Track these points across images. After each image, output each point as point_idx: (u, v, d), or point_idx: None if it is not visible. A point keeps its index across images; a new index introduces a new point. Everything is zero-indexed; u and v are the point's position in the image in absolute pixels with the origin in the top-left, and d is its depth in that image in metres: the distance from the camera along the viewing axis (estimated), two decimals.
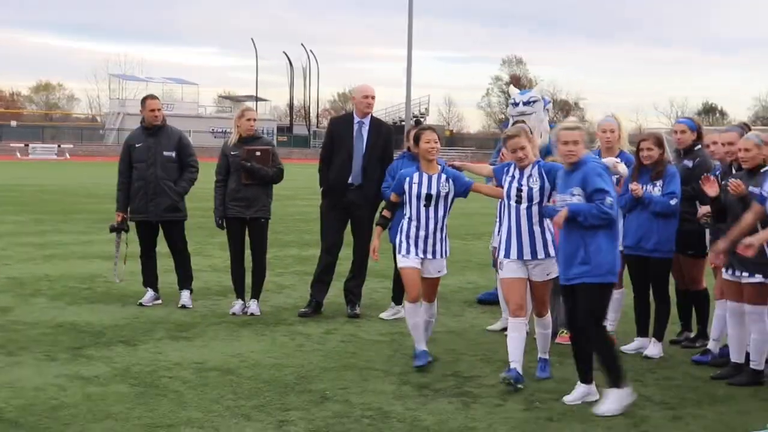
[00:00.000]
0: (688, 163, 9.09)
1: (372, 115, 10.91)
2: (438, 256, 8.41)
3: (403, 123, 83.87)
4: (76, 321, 10.09)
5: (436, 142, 8.33)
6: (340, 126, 10.96)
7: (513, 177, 7.82)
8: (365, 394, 7.46)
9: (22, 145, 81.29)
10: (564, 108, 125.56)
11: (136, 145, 11.04)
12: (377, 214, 9.18)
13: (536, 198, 7.70)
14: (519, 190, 7.73)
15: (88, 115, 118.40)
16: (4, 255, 15.48)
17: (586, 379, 7.29)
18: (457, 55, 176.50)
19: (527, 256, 7.72)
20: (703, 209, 8.66)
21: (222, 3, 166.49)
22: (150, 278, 11.22)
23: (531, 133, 8.71)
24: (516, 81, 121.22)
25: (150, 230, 11.16)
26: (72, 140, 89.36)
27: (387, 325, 10.19)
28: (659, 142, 8.91)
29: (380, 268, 12.91)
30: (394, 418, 6.85)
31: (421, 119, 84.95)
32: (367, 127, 10.74)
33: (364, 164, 10.64)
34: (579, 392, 7.27)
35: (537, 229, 7.72)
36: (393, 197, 8.59)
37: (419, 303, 8.37)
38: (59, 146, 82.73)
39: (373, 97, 10.90)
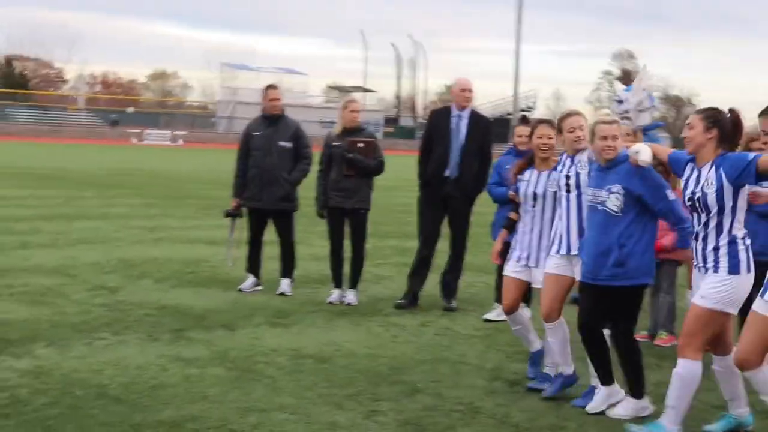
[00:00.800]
0: None
1: (472, 109, 10.83)
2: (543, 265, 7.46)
3: (510, 116, 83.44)
4: (179, 304, 10.27)
5: (550, 138, 7.49)
6: (439, 118, 10.92)
7: (563, 165, 7.31)
8: (457, 388, 7.42)
9: (139, 130, 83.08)
10: (676, 104, 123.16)
11: (255, 134, 11.19)
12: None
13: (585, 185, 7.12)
14: (567, 177, 7.21)
15: (201, 102, 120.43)
16: (115, 237, 15.88)
17: (607, 381, 6.94)
18: (567, 49, 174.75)
19: (575, 250, 7.12)
20: None
21: None
22: (254, 264, 11.34)
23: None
24: (627, 76, 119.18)
25: (261, 218, 11.29)
26: (185, 127, 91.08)
27: (482, 320, 10.12)
28: None
29: (479, 263, 12.87)
30: (483, 413, 6.79)
31: (528, 114, 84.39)
32: (465, 120, 10.66)
33: (461, 157, 10.57)
34: (600, 396, 6.93)
35: None
36: (511, 196, 8.07)
37: (516, 314, 7.71)
38: (173, 133, 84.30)
39: (470, 90, 10.81)
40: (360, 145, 10.61)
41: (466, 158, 10.58)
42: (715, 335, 6.30)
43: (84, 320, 9.26)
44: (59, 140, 74.78)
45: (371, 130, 11.50)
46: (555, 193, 7.39)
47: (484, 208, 10.93)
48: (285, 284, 11.10)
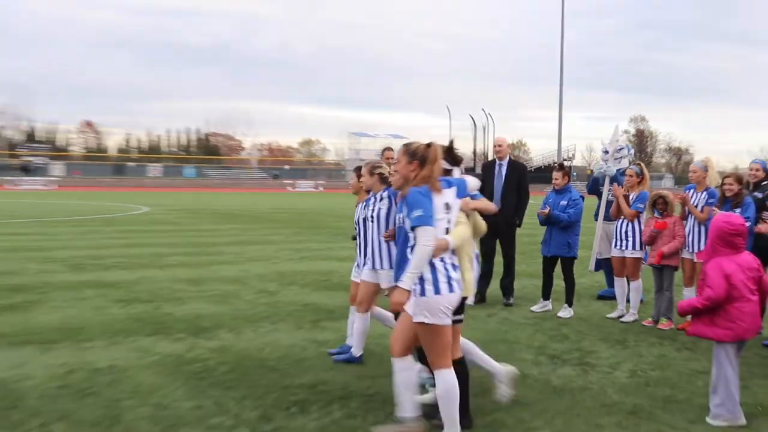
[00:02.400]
0: (759, 195, 8.54)
1: (510, 158, 10.64)
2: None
3: (554, 165, 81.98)
4: (316, 302, 10.32)
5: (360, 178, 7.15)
6: (487, 167, 10.77)
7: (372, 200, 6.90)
8: (512, 361, 7.21)
9: (292, 182, 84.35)
10: (677, 153, 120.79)
11: None
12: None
13: (383, 218, 6.67)
14: (372, 210, 6.80)
15: (335, 161, 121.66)
16: (274, 256, 16.06)
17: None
18: (598, 115, 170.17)
19: (378, 265, 6.76)
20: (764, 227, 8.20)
21: (426, 81, 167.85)
22: None
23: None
24: (640, 134, 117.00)
25: None
26: (324, 178, 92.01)
27: (531, 313, 9.95)
28: (739, 179, 8.37)
29: (530, 270, 12.69)
30: (530, 378, 6.70)
31: (566, 162, 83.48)
32: (505, 167, 10.52)
33: (502, 194, 10.43)
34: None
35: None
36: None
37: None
38: (316, 182, 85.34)
39: (500, 145, 10.62)
40: None
41: (506, 194, 10.42)
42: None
43: (252, 314, 9.39)
44: (239, 190, 76.35)
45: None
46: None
47: (535, 230, 10.78)
48: None
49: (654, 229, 9.10)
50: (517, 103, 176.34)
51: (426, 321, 4.79)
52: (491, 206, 5.65)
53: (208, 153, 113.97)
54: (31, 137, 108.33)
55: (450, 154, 5.36)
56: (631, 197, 9.61)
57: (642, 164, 9.97)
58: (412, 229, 4.78)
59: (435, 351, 4.87)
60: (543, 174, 69.51)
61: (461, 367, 5.29)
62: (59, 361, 6.91)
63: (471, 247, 5.37)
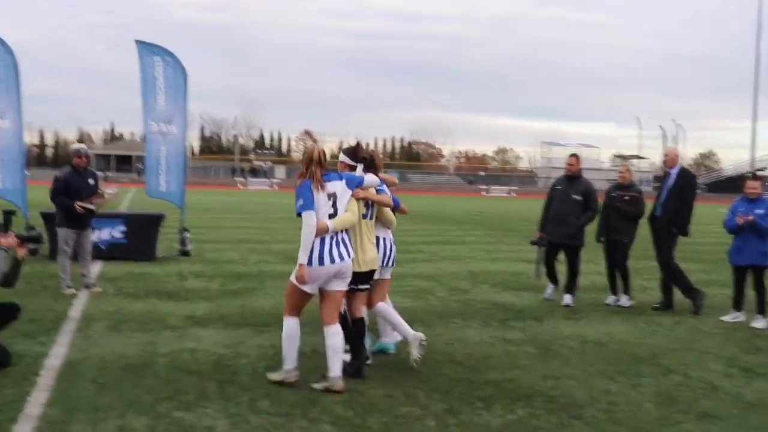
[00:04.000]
0: None
1: (681, 167, 9.88)
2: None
3: (748, 174, 75.86)
4: (505, 301, 10.07)
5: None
6: (661, 177, 10.16)
7: None
8: (701, 371, 6.68)
9: (486, 186, 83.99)
10: None
11: (557, 187, 10.35)
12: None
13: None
14: None
15: (527, 168, 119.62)
16: (467, 256, 15.92)
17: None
18: None
19: None
20: None
21: (616, 93, 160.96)
22: (553, 278, 10.52)
23: None
24: None
25: (555, 247, 10.31)
26: (516, 184, 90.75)
27: (720, 322, 9.10)
28: None
29: (722, 279, 11.71)
30: (721, 391, 6.07)
31: (762, 173, 77.30)
32: (674, 176, 9.79)
33: (664, 200, 9.73)
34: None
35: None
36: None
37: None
38: (509, 188, 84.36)
39: (666, 155, 10.07)
40: (626, 198, 10.00)
41: (668, 202, 9.70)
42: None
43: (444, 310, 9.29)
44: (438, 194, 76.90)
45: (638, 187, 10.54)
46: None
47: (724, 238, 9.87)
48: (567, 298, 10.01)
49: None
50: (708, 113, 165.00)
51: (291, 279, 5.63)
52: (387, 200, 6.16)
53: (411, 159, 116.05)
54: (259, 144, 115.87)
55: (354, 153, 6.02)
56: None
57: None
58: (298, 215, 5.42)
59: (288, 302, 5.72)
60: (735, 184, 64.44)
61: (359, 325, 6.10)
62: (269, 343, 7.16)
63: (370, 231, 6.03)
